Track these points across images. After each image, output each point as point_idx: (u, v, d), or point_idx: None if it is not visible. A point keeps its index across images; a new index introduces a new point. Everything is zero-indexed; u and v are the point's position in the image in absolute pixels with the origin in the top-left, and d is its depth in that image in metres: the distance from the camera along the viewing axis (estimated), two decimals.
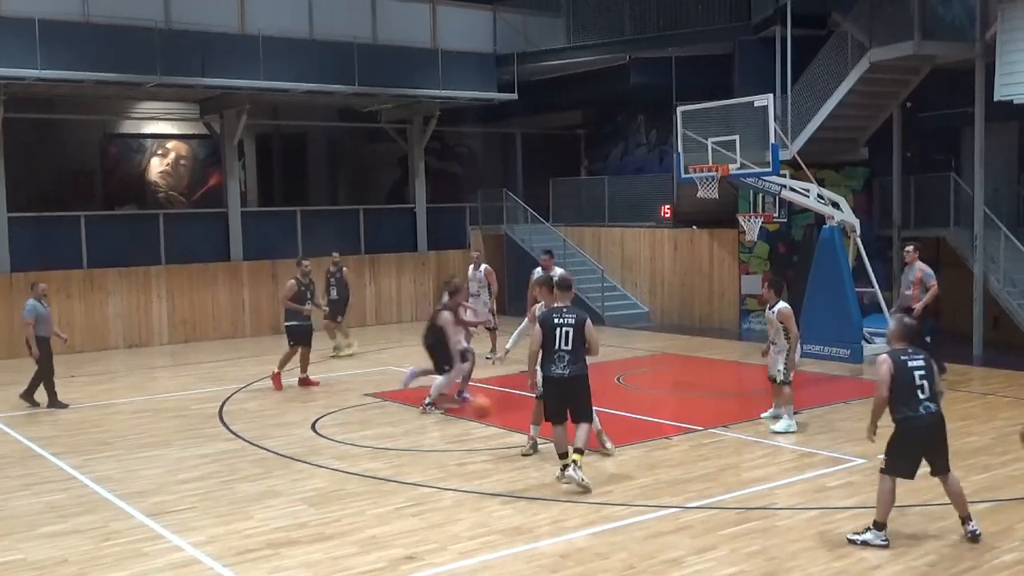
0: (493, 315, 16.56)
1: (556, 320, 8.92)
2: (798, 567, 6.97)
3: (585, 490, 8.68)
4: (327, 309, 17.11)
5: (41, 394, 13.50)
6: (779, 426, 11.11)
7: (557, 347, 8.83)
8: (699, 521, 8.03)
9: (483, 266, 16.84)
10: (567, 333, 8.82)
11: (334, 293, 17.57)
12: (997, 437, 10.65)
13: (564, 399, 9.00)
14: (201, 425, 12.25)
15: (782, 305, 11.12)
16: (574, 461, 8.75)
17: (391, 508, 8.53)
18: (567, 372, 8.85)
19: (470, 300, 15.80)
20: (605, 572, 6.98)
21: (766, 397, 13.57)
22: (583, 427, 9.00)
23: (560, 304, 9.20)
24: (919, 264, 14.08)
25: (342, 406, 13.08)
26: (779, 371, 11.17)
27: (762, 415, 11.64)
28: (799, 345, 11.78)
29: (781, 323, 11.07)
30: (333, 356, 17.21)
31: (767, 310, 11.33)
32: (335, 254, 18.13)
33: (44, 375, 13.45)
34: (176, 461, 10.40)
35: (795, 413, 11.42)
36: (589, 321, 8.98)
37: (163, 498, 9.00)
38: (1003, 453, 9.94)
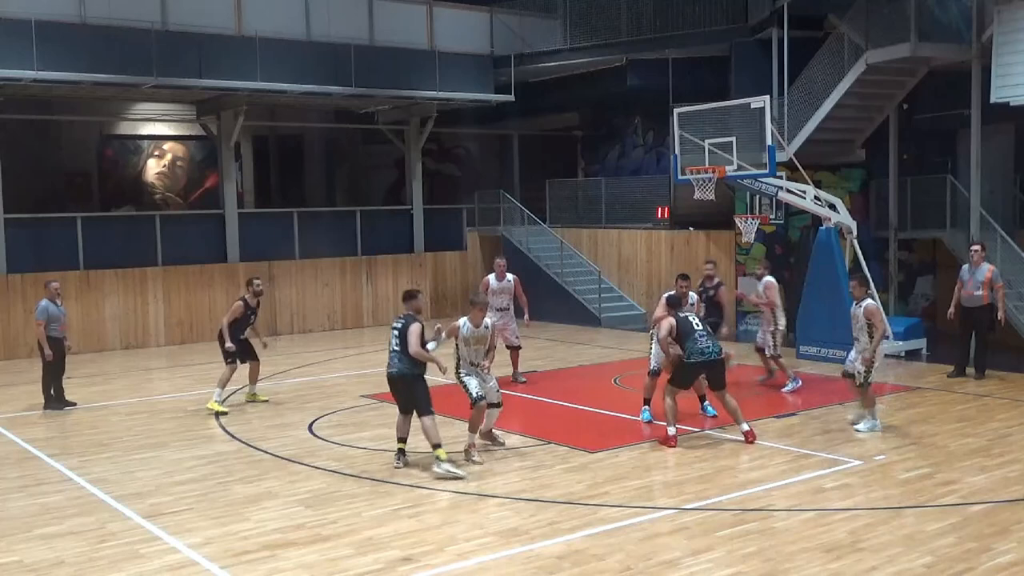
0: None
1: (392, 325, 9.99)
2: (795, 568, 6.97)
3: (457, 478, 9.37)
4: (265, 343, 13.82)
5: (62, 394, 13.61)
6: (863, 426, 11.02)
7: (390, 348, 9.89)
8: (696, 522, 8.03)
9: (510, 276, 14.76)
10: (395, 336, 9.83)
11: (250, 331, 13.49)
12: (994, 439, 10.66)
13: (395, 393, 10.03)
14: (198, 426, 12.24)
15: (869, 302, 11.07)
16: (437, 457, 9.56)
17: (388, 510, 8.52)
18: (392, 370, 9.83)
19: (498, 315, 14.20)
20: (602, 573, 6.98)
21: (763, 398, 13.59)
22: (424, 422, 9.72)
23: (406, 311, 9.98)
24: (987, 265, 14.18)
25: (338, 408, 13.07)
26: (859, 371, 10.95)
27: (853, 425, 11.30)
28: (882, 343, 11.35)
29: (868, 320, 10.92)
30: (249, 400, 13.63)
31: (853, 306, 11.18)
32: (256, 281, 13.55)
33: (53, 375, 13.45)
34: (173, 463, 10.39)
35: (791, 415, 11.45)
36: (414, 326, 9.66)
37: (159, 500, 9.00)
38: (1000, 455, 9.95)
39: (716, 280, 13.95)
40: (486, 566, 7.19)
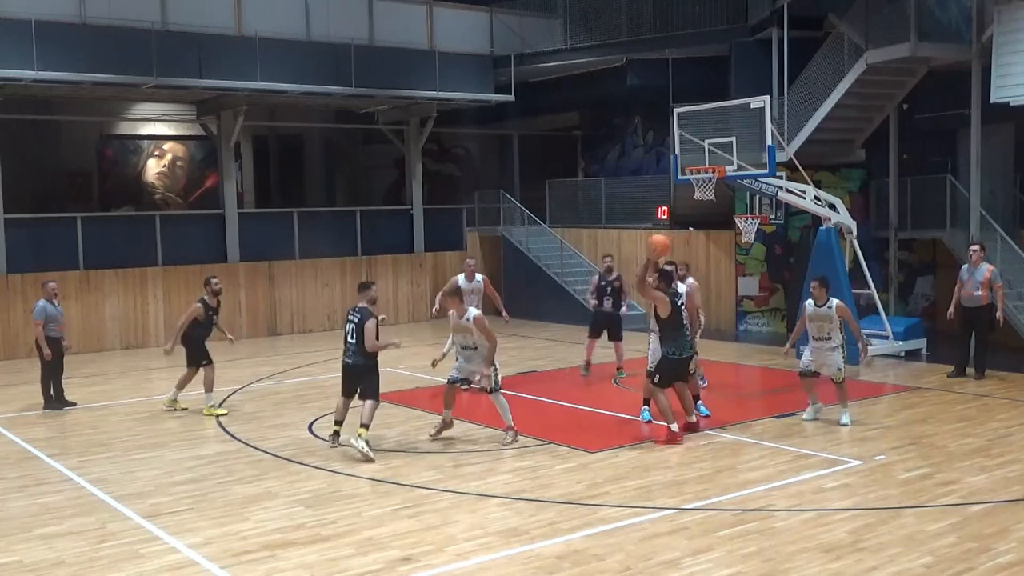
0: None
1: (348, 317, 10.50)
2: (795, 568, 6.97)
3: (367, 459, 10.00)
4: (231, 338, 13.88)
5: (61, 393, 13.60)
6: (847, 419, 11.30)
7: (345, 340, 10.45)
8: (696, 523, 8.03)
9: (479, 276, 14.64)
10: (351, 329, 10.33)
11: (215, 331, 13.29)
12: (994, 439, 10.66)
13: (345, 380, 10.58)
14: (197, 427, 12.25)
15: (837, 301, 11.39)
16: (359, 435, 10.16)
17: (387, 510, 8.52)
18: (350, 361, 10.44)
19: None
20: (602, 574, 6.97)
21: (762, 399, 13.60)
22: (367, 403, 10.34)
23: (360, 304, 10.50)
24: (986, 265, 14.25)
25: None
26: (839, 369, 11.33)
27: (804, 416, 11.68)
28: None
29: (841, 317, 11.28)
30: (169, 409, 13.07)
31: (816, 308, 11.38)
32: (214, 280, 13.19)
33: (52, 375, 13.44)
34: (172, 463, 10.39)
35: (791, 414, 11.40)
36: (370, 322, 10.19)
37: (159, 500, 8.99)
38: (1000, 455, 9.96)
39: (616, 273, 14.97)
40: (486, 566, 7.19)
